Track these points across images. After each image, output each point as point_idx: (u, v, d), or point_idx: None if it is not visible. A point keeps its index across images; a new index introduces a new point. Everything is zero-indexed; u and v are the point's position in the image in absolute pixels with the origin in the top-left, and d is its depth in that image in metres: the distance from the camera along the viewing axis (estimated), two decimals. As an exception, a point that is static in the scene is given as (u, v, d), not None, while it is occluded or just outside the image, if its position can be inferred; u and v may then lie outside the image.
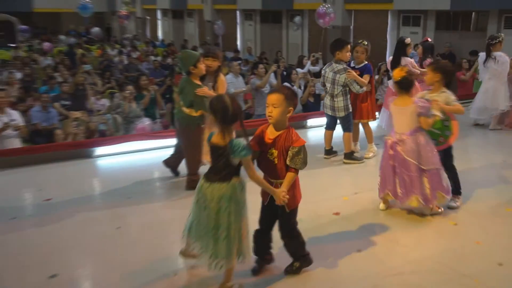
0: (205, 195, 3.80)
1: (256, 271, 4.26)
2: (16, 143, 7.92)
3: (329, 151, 7.36)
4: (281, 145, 3.86)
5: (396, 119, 5.32)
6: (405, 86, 5.19)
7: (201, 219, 3.84)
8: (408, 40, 7.84)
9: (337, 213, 5.49)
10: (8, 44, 25.18)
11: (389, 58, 8.35)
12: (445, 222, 5.30)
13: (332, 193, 6.04)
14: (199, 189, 3.88)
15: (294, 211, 4.13)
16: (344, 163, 7.13)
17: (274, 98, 3.86)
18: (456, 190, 5.60)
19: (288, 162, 3.86)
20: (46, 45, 22.32)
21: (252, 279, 4.19)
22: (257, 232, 4.21)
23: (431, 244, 4.90)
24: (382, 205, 5.57)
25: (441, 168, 5.29)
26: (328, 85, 6.98)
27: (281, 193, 3.86)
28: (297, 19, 19.93)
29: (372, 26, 18.01)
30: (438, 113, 5.18)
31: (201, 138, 5.73)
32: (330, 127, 7.27)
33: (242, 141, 3.72)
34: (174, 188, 6.30)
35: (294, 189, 4.03)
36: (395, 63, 7.52)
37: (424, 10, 16.61)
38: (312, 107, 10.50)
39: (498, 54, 8.48)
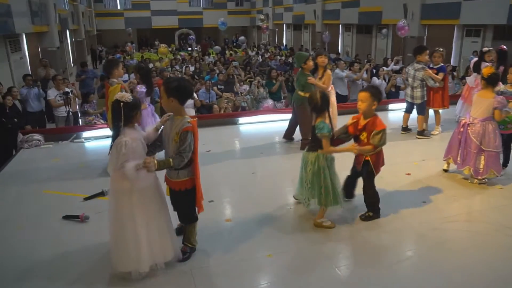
0: (303, 158, 3.90)
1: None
2: (191, 112, 8.31)
3: (406, 128, 6.91)
4: (369, 129, 3.79)
5: (475, 106, 4.81)
6: (491, 81, 4.72)
7: (301, 175, 3.95)
8: (485, 49, 7.10)
9: (408, 174, 5.18)
10: (187, 48, 26.45)
11: (472, 60, 7.62)
12: (493, 186, 4.80)
13: (406, 159, 5.68)
14: (303, 154, 3.95)
15: (373, 173, 3.95)
16: (417, 138, 6.66)
17: (362, 95, 3.80)
18: (504, 163, 5.05)
19: (370, 140, 3.78)
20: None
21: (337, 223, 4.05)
22: (348, 177, 4.21)
23: (481, 201, 4.48)
24: (445, 166, 5.23)
25: (500, 151, 4.76)
26: (409, 79, 6.56)
27: (353, 146, 3.84)
28: (384, 31, 18.83)
29: (441, 37, 16.58)
30: (511, 110, 4.67)
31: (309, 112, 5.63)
32: (408, 111, 6.81)
33: (324, 123, 3.68)
34: (291, 148, 6.29)
35: (378, 159, 3.91)
36: (477, 66, 6.91)
37: (484, 24, 14.93)
38: (393, 95, 9.97)
39: None
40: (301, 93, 5.84)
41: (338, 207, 3.90)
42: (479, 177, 4.79)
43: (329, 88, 6.10)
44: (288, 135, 6.50)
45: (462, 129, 4.86)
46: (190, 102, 8.10)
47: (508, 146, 5.10)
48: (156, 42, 24.83)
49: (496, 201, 4.45)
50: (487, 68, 4.82)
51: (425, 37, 17.54)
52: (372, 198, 4.07)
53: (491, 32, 15.04)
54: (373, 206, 4.09)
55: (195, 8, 35.84)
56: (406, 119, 6.90)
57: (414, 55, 6.57)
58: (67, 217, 4.14)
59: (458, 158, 4.91)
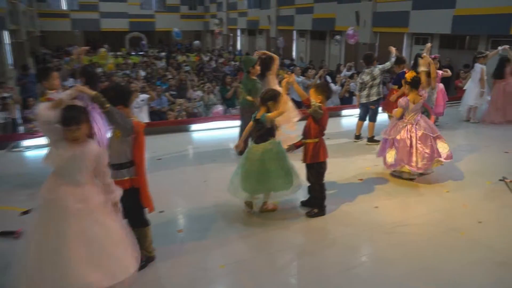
0: (251, 152, 4.12)
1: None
2: (144, 117, 8.10)
3: (359, 137, 7.12)
4: None
5: (408, 111, 5.13)
6: (414, 84, 5.08)
7: (247, 171, 4.18)
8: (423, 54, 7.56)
9: (361, 180, 5.34)
10: (137, 53, 25.86)
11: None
12: (441, 190, 5.05)
13: (358, 165, 5.85)
14: (248, 149, 4.23)
15: (320, 167, 4.19)
16: (367, 145, 6.88)
17: (310, 91, 4.18)
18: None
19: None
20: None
21: (282, 216, 4.26)
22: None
23: (430, 204, 4.69)
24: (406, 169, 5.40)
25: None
26: (366, 78, 6.72)
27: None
28: (338, 37, 19.38)
29: (392, 44, 17.34)
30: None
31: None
32: (362, 118, 7.01)
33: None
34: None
35: (319, 148, 4.15)
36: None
37: (431, 33, 15.83)
38: (347, 101, 10.26)
39: (476, 65, 8.18)
40: (249, 98, 5.86)
41: (287, 192, 4.14)
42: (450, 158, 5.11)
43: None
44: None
45: (410, 134, 5.09)
46: (140, 103, 7.90)
47: None
48: (105, 46, 24.09)
49: (443, 204, 4.68)
50: (410, 73, 5.13)
51: (376, 44, 18.28)
52: (319, 193, 4.21)
53: (438, 41, 15.94)
54: (320, 202, 4.23)
55: (147, 11, 35.19)
56: (359, 126, 7.11)
57: (365, 63, 6.81)
58: (1, 234, 3.89)
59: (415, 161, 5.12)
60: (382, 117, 7.18)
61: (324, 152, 4.19)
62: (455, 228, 4.11)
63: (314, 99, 4.05)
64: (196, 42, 28.49)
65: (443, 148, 5.09)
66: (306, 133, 4.16)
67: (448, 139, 7.05)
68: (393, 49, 6.98)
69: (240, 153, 4.45)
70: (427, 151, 4.99)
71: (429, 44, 8.29)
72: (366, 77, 6.67)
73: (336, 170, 5.44)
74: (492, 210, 4.54)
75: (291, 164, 4.17)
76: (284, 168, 4.07)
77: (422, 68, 5.36)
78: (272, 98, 4.05)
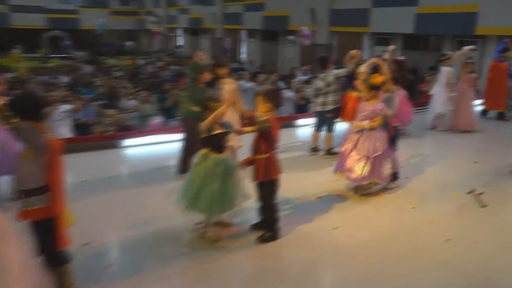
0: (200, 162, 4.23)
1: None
2: (66, 131, 7.85)
3: (315, 149, 7.26)
4: None
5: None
6: (376, 88, 5.33)
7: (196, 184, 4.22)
8: (385, 57, 7.95)
9: (319, 197, 5.46)
10: (59, 55, 25.06)
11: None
12: (406, 205, 5.28)
13: (316, 181, 5.98)
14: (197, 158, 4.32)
15: (272, 185, 4.23)
16: (325, 158, 7.06)
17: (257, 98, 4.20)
18: (395, 176, 5.80)
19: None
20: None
21: (229, 242, 4.30)
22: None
23: (395, 222, 4.88)
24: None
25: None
26: (321, 83, 6.92)
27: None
28: (292, 37, 19.88)
29: (351, 45, 18.02)
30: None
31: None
32: (318, 128, 7.19)
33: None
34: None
35: (271, 164, 4.20)
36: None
37: (393, 33, 16.64)
38: (303, 108, 10.48)
39: (442, 68, 8.65)
40: (195, 109, 5.85)
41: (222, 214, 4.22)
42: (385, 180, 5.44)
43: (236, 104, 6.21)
44: (184, 164, 6.33)
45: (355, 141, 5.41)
46: (62, 115, 7.65)
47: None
48: (18, 47, 23.17)
49: (409, 221, 4.89)
50: (376, 77, 5.39)
51: (335, 45, 18.90)
52: (271, 214, 4.25)
53: (401, 41, 16.78)
54: (273, 224, 4.26)
55: (69, 6, 34.27)
56: (316, 138, 7.28)
57: (320, 67, 7.02)
58: None
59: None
60: (342, 126, 7.42)
61: (277, 168, 4.26)
62: (422, 248, 4.30)
63: (261, 107, 4.11)
64: (130, 43, 28.14)
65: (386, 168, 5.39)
66: (255, 148, 4.20)
67: (414, 149, 7.45)
68: (355, 53, 7.14)
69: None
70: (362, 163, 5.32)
71: (392, 47, 8.72)
72: (320, 83, 6.87)
73: (291, 187, 5.52)
74: (460, 226, 4.80)
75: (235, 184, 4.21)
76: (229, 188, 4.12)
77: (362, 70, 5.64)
78: (207, 107, 4.17)
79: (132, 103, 11.14)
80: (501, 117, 9.76)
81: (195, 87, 5.92)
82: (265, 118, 4.08)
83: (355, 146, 5.30)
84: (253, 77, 11.54)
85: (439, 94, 8.70)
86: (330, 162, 6.68)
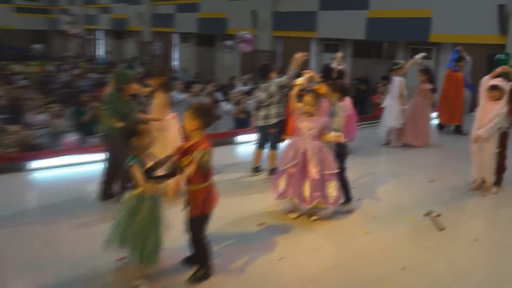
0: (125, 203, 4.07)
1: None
2: None
3: (258, 169, 7.34)
4: (194, 151, 3.99)
5: None
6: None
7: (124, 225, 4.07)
8: (333, 65, 8.36)
9: (262, 224, 5.49)
10: None
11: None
12: (359, 231, 5.41)
13: (258, 206, 6.01)
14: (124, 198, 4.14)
15: (203, 216, 4.16)
16: (268, 179, 7.09)
17: (185, 114, 4.10)
18: (348, 197, 5.97)
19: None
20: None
21: (158, 284, 4.19)
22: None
23: (347, 251, 4.99)
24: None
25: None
26: (262, 94, 7.01)
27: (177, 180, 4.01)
28: (229, 42, 20.08)
29: (299, 51, 18.36)
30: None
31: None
32: (261, 145, 7.26)
33: (135, 156, 3.95)
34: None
35: (210, 194, 4.14)
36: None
37: (343, 39, 17.20)
38: (244, 123, 10.54)
39: (393, 78, 9.07)
40: (119, 124, 5.76)
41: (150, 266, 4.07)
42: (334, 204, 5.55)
43: (168, 117, 6.17)
44: (107, 189, 6.17)
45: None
46: None
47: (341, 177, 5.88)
48: None
49: (362, 248, 5.01)
50: (320, 86, 5.58)
51: (279, 52, 19.27)
52: (202, 249, 4.21)
53: (351, 48, 17.40)
54: (205, 260, 4.23)
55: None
56: (258, 156, 7.34)
57: (262, 76, 7.13)
58: None
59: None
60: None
61: (215, 198, 4.21)
62: (377, 278, 4.42)
63: (189, 125, 4.02)
64: (38, 46, 27.30)
65: (331, 190, 5.51)
66: (190, 178, 4.07)
67: (366, 168, 7.69)
68: (300, 56, 7.23)
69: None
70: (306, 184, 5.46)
71: (340, 53, 9.03)
72: (262, 94, 6.98)
73: (230, 213, 5.53)
74: (417, 252, 4.98)
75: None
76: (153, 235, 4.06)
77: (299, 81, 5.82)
78: (133, 133, 3.99)
79: (41, 117, 10.76)
80: (458, 131, 10.31)
81: (120, 99, 5.85)
82: (203, 149, 3.93)
83: (299, 165, 5.40)
84: (187, 87, 11.53)
85: (392, 107, 9.07)
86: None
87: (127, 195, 4.03)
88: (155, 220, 4.03)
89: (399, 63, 9.32)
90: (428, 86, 9.25)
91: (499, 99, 6.38)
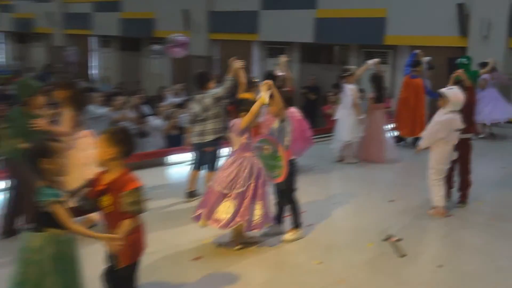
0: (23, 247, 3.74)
1: None
2: None
3: (193, 193, 7.27)
4: (116, 190, 3.73)
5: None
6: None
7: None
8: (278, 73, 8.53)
9: (198, 258, 5.46)
10: None
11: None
12: (310, 261, 5.47)
13: (194, 237, 5.96)
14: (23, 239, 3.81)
15: (129, 268, 3.91)
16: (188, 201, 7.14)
17: (99, 139, 3.88)
18: (296, 223, 5.97)
19: (120, 207, 3.72)
20: None
21: None
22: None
23: (296, 284, 5.01)
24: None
25: None
26: (196, 107, 7.03)
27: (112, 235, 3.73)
28: (157, 47, 19.94)
29: (239, 57, 18.31)
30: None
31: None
32: (197, 166, 7.25)
33: (51, 188, 3.64)
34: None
35: (140, 236, 3.92)
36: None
37: (289, 42, 17.42)
38: (176, 140, 10.46)
39: (345, 86, 9.28)
40: (24, 145, 5.60)
41: None
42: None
43: (80, 135, 6.05)
44: (10, 224, 5.93)
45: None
46: None
47: (289, 199, 5.98)
48: None
49: (314, 281, 5.05)
50: (246, 95, 5.70)
51: (216, 57, 19.31)
52: None
53: (298, 52, 17.67)
54: None
55: None
56: (194, 178, 7.30)
57: (198, 86, 7.16)
58: None
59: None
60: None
61: (144, 240, 4.04)
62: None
63: (104, 153, 3.76)
64: None
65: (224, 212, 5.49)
66: (114, 222, 3.80)
67: (318, 188, 7.80)
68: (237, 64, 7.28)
69: None
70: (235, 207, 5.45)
71: (284, 58, 9.16)
72: (196, 107, 6.99)
73: (161, 247, 5.47)
74: (375, 284, 5.07)
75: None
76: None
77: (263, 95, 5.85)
78: (41, 153, 3.72)
79: None
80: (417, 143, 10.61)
81: (24, 115, 5.72)
82: (133, 192, 3.71)
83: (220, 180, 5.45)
84: (108, 100, 11.37)
85: (345, 118, 9.27)
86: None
87: (30, 236, 3.72)
88: (70, 271, 3.78)
89: (350, 69, 9.55)
90: (371, 94, 9.54)
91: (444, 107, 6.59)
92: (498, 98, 11.49)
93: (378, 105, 9.52)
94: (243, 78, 7.13)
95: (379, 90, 9.60)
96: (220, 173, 5.54)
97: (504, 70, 12.36)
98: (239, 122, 5.45)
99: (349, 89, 9.18)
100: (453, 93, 6.53)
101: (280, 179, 5.70)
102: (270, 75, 8.39)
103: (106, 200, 3.76)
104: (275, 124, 5.76)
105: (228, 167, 5.45)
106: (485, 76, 11.27)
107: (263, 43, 18.48)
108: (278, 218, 6.05)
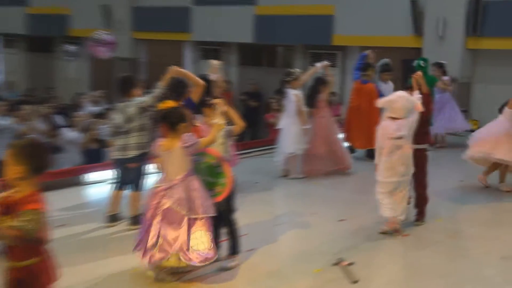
0: None
1: None
2: None
3: (115, 217, 7.19)
4: (17, 210, 3.64)
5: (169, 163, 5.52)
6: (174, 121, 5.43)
7: None
8: (212, 78, 8.57)
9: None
10: None
11: None
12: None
13: (116, 268, 5.93)
14: None
15: None
16: (130, 230, 6.98)
17: (6, 153, 3.76)
18: (234, 249, 5.95)
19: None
20: None
21: None
22: None
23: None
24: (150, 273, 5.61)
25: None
26: (118, 117, 6.99)
27: None
28: (71, 48, 19.68)
29: (169, 59, 18.29)
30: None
31: None
32: (120, 185, 7.17)
33: None
34: None
35: (43, 270, 3.83)
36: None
37: (226, 42, 17.45)
38: (95, 155, 10.35)
39: (289, 91, 9.38)
40: None
41: None
42: (204, 262, 5.42)
43: None
44: None
45: (158, 201, 5.42)
46: None
47: (230, 221, 5.98)
48: None
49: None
50: (168, 104, 5.65)
51: (143, 59, 19.18)
52: None
53: (236, 55, 17.73)
54: None
55: None
56: (116, 200, 7.20)
57: (121, 93, 7.11)
58: None
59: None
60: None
61: (53, 274, 3.96)
62: None
63: (11, 171, 3.66)
64: None
65: (201, 242, 5.45)
66: (15, 253, 3.71)
67: (260, 207, 7.84)
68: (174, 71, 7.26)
69: None
70: (169, 235, 5.37)
71: (215, 61, 9.18)
72: (118, 117, 6.94)
73: (77, 283, 5.40)
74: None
75: None
76: None
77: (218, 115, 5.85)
78: None
79: None
80: (371, 155, 10.78)
81: None
82: (31, 212, 3.58)
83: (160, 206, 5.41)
84: (12, 109, 11.17)
85: (290, 128, 9.37)
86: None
87: None
88: None
89: (294, 72, 9.64)
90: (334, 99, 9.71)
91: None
92: (454, 105, 11.89)
93: (317, 111, 9.68)
94: (197, 80, 7.21)
95: (312, 95, 9.68)
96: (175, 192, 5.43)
97: (461, 73, 12.81)
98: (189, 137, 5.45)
99: (293, 95, 9.30)
100: (397, 98, 6.72)
101: (220, 198, 5.70)
102: (204, 80, 8.34)
103: (5, 220, 3.64)
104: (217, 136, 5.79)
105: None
106: (446, 78, 11.63)
107: (196, 43, 18.46)
108: (215, 243, 6.01)
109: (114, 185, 7.26)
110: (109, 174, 7.96)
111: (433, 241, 6.94)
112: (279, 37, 16.03)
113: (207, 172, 5.69)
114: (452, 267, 6.19)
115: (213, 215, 5.50)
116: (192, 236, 5.35)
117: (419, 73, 7.41)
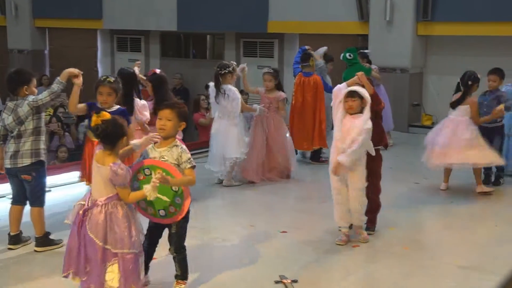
0: None
1: None
2: None
3: (18, 238, 7.00)
4: None
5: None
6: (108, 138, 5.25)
7: None
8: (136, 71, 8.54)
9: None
10: None
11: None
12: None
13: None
14: None
15: None
16: (37, 251, 6.88)
17: None
18: (183, 276, 5.83)
19: None
20: None
21: None
22: None
23: None
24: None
25: (139, 253, 5.40)
26: (10, 120, 6.75)
27: None
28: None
29: (78, 50, 18.06)
30: (153, 193, 5.21)
31: None
32: (18, 200, 6.97)
33: None
34: None
35: None
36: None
37: (145, 31, 17.33)
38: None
39: (228, 87, 9.30)
40: None
41: None
42: None
43: None
44: None
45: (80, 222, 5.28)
46: None
47: (181, 249, 5.83)
48: None
49: None
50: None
51: (46, 51, 18.90)
52: None
53: (158, 44, 17.61)
54: None
55: None
56: (15, 218, 6.97)
57: (10, 91, 6.89)
58: None
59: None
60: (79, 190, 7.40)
61: None
62: None
63: None
64: None
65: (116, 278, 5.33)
66: None
67: (192, 221, 7.82)
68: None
69: None
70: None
71: (137, 63, 9.06)
72: (7, 118, 6.75)
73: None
74: None
75: None
76: None
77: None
78: None
79: None
80: (315, 157, 10.87)
81: None
82: None
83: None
84: None
85: (229, 130, 9.37)
86: (53, 261, 6.57)
87: None
88: None
89: (230, 64, 9.55)
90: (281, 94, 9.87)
91: (360, 111, 6.80)
92: (387, 100, 11.77)
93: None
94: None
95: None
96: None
97: (412, 62, 13.11)
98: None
99: (232, 91, 9.28)
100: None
101: (173, 220, 5.56)
102: (128, 76, 8.14)
103: None
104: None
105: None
106: (374, 67, 11.61)
107: (110, 32, 18.29)
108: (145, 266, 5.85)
109: (12, 200, 7.06)
110: (6, 187, 7.74)
111: (387, 253, 7.01)
112: (207, 25, 15.95)
113: (159, 188, 5.29)
114: (410, 281, 6.25)
115: (135, 251, 5.28)
116: (108, 269, 5.21)
117: (361, 73, 7.31)
